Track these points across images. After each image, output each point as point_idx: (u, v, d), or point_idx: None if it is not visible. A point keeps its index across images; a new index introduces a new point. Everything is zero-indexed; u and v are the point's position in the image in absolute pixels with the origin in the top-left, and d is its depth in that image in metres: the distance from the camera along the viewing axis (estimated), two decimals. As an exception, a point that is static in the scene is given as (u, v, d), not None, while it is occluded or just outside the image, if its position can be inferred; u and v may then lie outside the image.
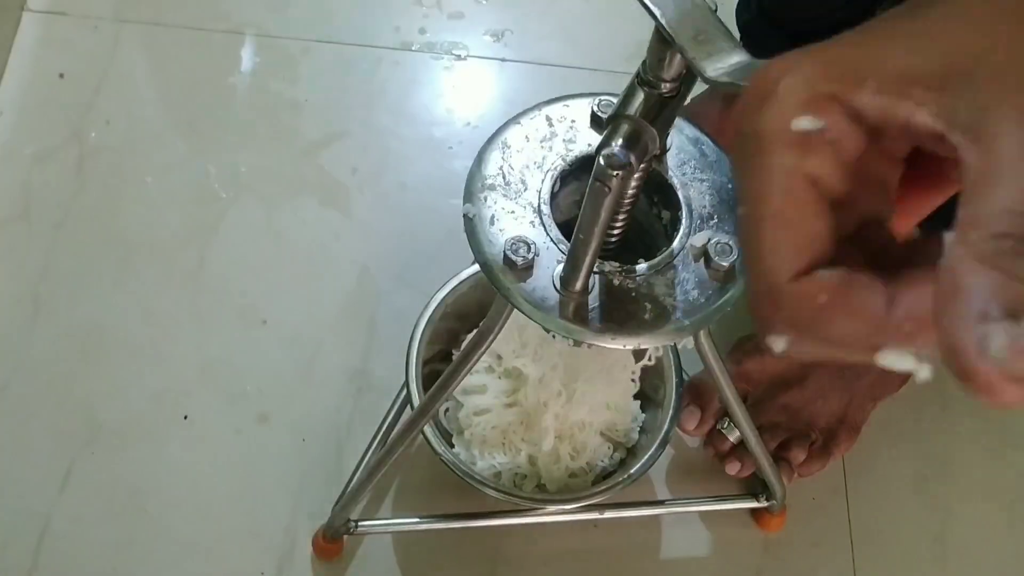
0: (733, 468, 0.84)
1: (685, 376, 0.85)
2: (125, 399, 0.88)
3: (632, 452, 0.81)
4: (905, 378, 0.89)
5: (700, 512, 0.87)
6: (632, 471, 0.76)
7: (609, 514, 0.81)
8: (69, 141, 0.98)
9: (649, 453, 0.77)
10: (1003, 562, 0.88)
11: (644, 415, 0.83)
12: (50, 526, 0.82)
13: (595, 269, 0.47)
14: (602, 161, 0.39)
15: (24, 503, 0.83)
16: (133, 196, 0.97)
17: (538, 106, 0.54)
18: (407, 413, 0.82)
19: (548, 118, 0.54)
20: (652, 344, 0.49)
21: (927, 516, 0.89)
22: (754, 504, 0.85)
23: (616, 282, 0.48)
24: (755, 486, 0.86)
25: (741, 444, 0.84)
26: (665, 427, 0.78)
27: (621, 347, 0.46)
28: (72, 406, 0.87)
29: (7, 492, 0.84)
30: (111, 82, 1.02)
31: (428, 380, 0.80)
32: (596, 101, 0.53)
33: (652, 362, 0.81)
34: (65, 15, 1.05)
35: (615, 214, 0.48)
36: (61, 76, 1.02)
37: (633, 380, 0.81)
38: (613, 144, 0.40)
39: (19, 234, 0.94)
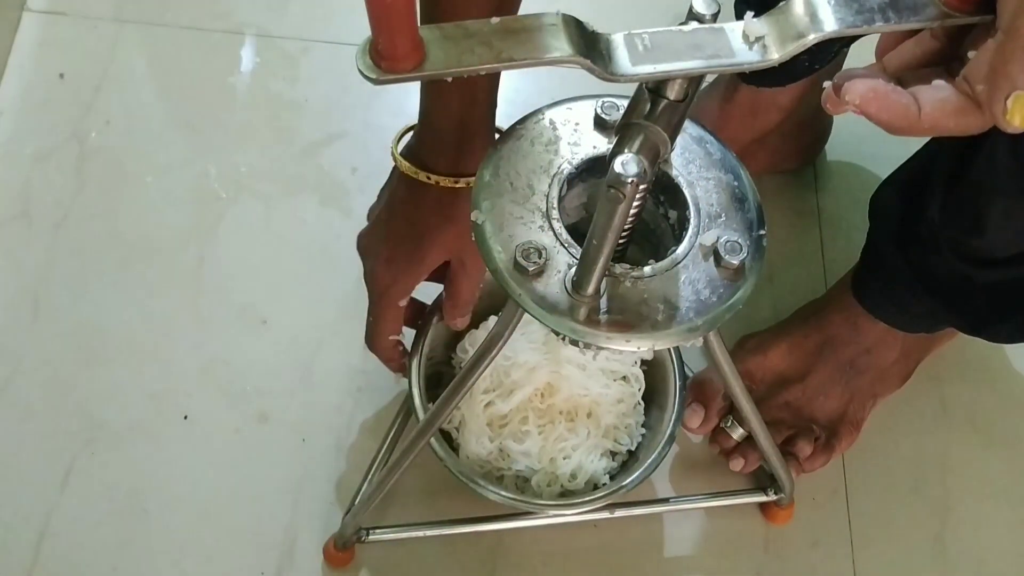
0: (737, 464, 0.85)
1: (688, 372, 0.85)
2: (125, 399, 0.88)
3: (634, 453, 0.81)
4: (905, 376, 0.90)
5: (704, 509, 0.87)
6: (635, 475, 0.76)
7: (618, 513, 0.81)
8: (69, 141, 0.98)
9: (653, 456, 0.77)
10: (1003, 562, 0.88)
11: (646, 417, 0.83)
12: (50, 526, 0.82)
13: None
14: (616, 169, 0.39)
15: (24, 503, 0.83)
16: (133, 196, 0.97)
17: (541, 110, 0.54)
18: (413, 419, 0.82)
19: (552, 121, 0.53)
20: (666, 345, 0.48)
21: (927, 516, 0.89)
22: (763, 498, 0.85)
23: (627, 284, 0.48)
24: (762, 480, 0.86)
25: (745, 441, 0.84)
26: (669, 428, 0.78)
27: (635, 349, 0.46)
28: (72, 406, 0.87)
29: (7, 492, 0.83)
30: (111, 82, 1.02)
31: (430, 383, 0.80)
32: (599, 103, 0.53)
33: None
34: (65, 15, 1.05)
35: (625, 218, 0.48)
36: (61, 76, 1.02)
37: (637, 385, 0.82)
38: (626, 151, 0.40)
39: (19, 234, 0.94)
